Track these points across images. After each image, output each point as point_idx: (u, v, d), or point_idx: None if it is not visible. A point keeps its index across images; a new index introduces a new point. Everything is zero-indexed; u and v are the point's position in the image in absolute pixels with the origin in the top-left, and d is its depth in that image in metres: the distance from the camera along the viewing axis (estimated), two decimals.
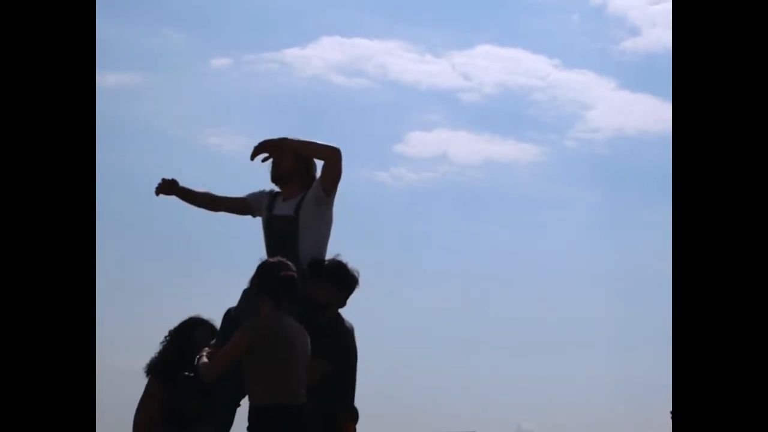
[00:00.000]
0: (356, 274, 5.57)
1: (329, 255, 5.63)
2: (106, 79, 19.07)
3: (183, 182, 5.84)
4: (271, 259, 5.18)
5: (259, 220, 5.89)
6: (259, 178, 5.90)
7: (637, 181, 21.61)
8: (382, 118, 22.87)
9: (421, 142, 21.79)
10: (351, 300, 5.60)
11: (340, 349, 5.41)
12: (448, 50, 22.79)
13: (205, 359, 5.11)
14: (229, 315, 5.68)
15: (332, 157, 5.58)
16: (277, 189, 5.88)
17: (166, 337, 6.08)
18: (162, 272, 18.43)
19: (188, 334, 5.95)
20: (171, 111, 21.42)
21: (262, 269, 5.12)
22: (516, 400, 17.21)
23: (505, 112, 22.54)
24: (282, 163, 5.79)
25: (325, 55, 21.51)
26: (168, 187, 5.91)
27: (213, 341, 5.53)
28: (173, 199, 5.93)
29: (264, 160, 5.75)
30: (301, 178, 5.77)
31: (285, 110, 21.13)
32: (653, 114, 21.09)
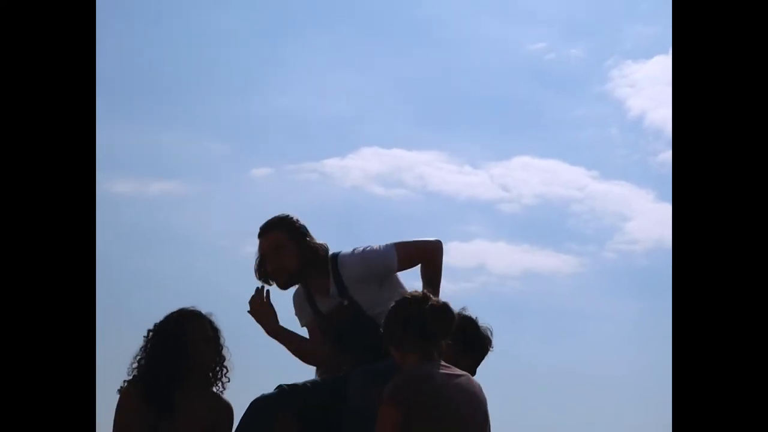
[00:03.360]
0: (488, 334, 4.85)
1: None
2: (148, 188, 19.42)
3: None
4: (415, 292, 4.03)
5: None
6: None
7: None
8: (421, 228, 22.91)
9: (459, 253, 21.79)
10: None
11: None
12: (486, 161, 22.95)
13: None
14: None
15: (435, 258, 5.10)
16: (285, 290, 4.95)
17: (146, 337, 4.65)
18: None
19: (176, 334, 4.57)
20: (213, 221, 21.66)
21: (404, 302, 3.94)
22: None
23: (543, 224, 22.56)
24: (286, 262, 4.85)
25: (364, 165, 21.74)
26: (264, 305, 4.80)
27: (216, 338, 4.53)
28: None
29: None
30: (318, 268, 4.86)
31: (325, 220, 21.18)
32: None
